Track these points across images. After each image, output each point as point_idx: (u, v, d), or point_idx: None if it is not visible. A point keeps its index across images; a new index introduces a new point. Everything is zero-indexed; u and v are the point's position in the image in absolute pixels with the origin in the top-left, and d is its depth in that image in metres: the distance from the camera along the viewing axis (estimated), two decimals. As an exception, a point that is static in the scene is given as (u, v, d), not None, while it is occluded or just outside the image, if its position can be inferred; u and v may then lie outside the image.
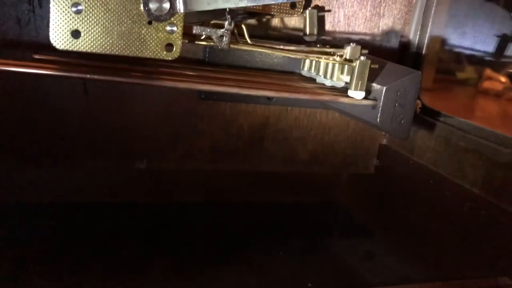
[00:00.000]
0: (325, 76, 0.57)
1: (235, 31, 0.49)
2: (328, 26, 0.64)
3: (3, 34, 0.51)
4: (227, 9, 0.46)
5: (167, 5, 0.42)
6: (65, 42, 0.41)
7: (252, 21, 0.59)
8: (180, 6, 0.43)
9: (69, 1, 0.41)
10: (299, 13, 0.58)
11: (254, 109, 0.65)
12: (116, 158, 0.61)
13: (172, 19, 0.43)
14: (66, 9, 0.41)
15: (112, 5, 0.42)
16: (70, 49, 0.42)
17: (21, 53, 0.51)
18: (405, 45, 0.68)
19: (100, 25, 0.42)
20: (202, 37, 0.48)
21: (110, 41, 0.42)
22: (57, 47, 0.41)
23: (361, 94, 0.52)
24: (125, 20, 0.42)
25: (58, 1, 0.41)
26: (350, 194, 0.77)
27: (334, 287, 0.55)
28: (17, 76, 0.53)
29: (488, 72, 0.82)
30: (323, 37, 0.64)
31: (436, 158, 0.62)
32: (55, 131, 0.57)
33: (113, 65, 0.45)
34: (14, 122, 0.56)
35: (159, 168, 0.64)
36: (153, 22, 0.43)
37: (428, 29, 0.66)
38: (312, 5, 0.61)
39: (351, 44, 0.53)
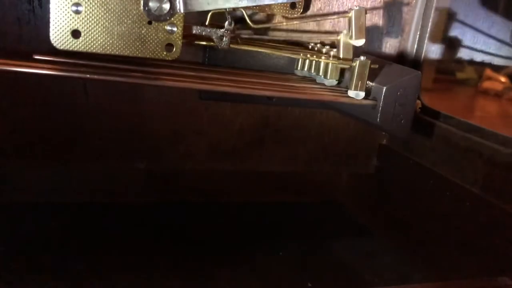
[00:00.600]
0: (325, 76, 0.57)
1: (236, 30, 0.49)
2: (328, 26, 0.64)
3: (3, 34, 0.51)
4: (227, 9, 0.46)
5: (167, 5, 0.42)
6: (65, 42, 0.41)
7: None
8: (180, 6, 0.43)
9: (69, 1, 0.41)
10: (299, 13, 0.58)
11: (254, 109, 0.65)
12: (116, 158, 0.61)
13: (172, 19, 0.43)
14: (66, 9, 0.41)
15: (112, 5, 0.42)
16: (70, 49, 0.42)
17: (21, 53, 0.51)
18: (405, 45, 0.68)
19: (100, 25, 0.42)
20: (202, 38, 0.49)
21: (110, 41, 0.42)
22: (57, 47, 0.41)
23: (361, 94, 0.52)
24: (125, 20, 0.42)
25: (58, 1, 0.41)
26: (350, 194, 0.77)
27: (334, 287, 0.55)
28: (17, 76, 0.53)
29: (488, 72, 0.82)
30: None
31: (436, 158, 0.62)
32: (55, 131, 0.57)
33: (113, 65, 0.45)
34: (14, 122, 0.56)
35: (159, 168, 0.64)
36: (153, 22, 0.43)
37: (428, 29, 0.66)
38: (312, 5, 0.61)
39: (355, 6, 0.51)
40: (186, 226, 0.64)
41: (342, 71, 0.55)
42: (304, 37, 0.62)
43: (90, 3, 0.41)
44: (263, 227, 0.67)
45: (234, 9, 0.49)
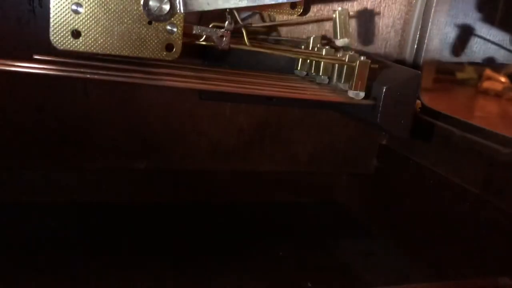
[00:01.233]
0: (325, 76, 0.57)
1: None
2: (328, 27, 0.63)
3: (3, 34, 0.51)
4: (227, 10, 0.46)
5: (167, 6, 0.42)
6: (65, 42, 0.41)
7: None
8: (180, 7, 0.43)
9: (69, 1, 0.41)
10: (299, 13, 0.58)
11: (254, 109, 0.65)
12: (116, 158, 0.61)
13: (172, 19, 0.43)
14: (66, 9, 0.41)
15: (112, 5, 0.42)
16: (70, 49, 0.42)
17: (21, 53, 0.51)
18: (405, 45, 0.68)
19: (100, 25, 0.42)
20: (202, 38, 0.49)
21: (110, 41, 0.42)
22: (57, 47, 0.41)
23: (361, 94, 0.52)
24: (125, 20, 0.42)
25: (58, 1, 0.41)
26: (350, 194, 0.77)
27: (334, 287, 0.55)
28: (17, 77, 0.53)
29: (488, 72, 0.82)
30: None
31: (436, 158, 0.62)
32: (55, 131, 0.57)
33: (113, 65, 0.45)
34: (14, 122, 0.56)
35: (159, 168, 0.64)
36: (153, 22, 0.43)
37: (428, 29, 0.66)
38: (312, 6, 0.61)
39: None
40: (186, 226, 0.64)
41: (317, 64, 0.56)
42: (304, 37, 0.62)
43: (90, 3, 0.41)
44: (263, 227, 0.67)
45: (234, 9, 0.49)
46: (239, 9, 0.51)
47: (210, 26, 0.48)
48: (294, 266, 0.58)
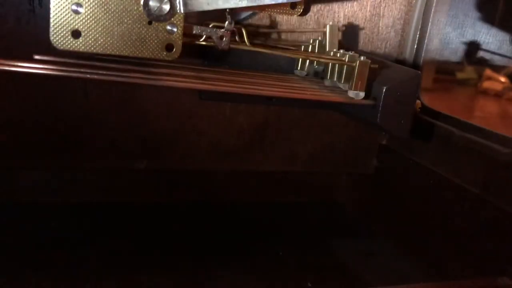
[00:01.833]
0: (325, 76, 0.57)
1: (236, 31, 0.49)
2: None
3: (3, 34, 0.51)
4: (227, 10, 0.46)
5: (167, 6, 0.42)
6: (65, 42, 0.41)
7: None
8: (180, 7, 0.43)
9: (69, 1, 0.41)
10: (299, 13, 0.58)
11: (254, 109, 0.65)
12: (116, 158, 0.61)
13: (172, 19, 0.43)
14: (66, 9, 0.41)
15: (112, 5, 0.42)
16: (70, 49, 0.42)
17: (21, 53, 0.51)
18: (405, 46, 0.68)
19: (100, 25, 0.42)
20: (202, 38, 0.49)
21: (110, 41, 0.42)
22: (57, 47, 0.41)
23: (361, 94, 0.52)
24: (125, 20, 0.42)
25: (58, 1, 0.41)
26: (350, 194, 0.77)
27: (334, 287, 0.55)
28: (17, 77, 0.53)
29: (488, 72, 0.82)
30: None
31: (436, 158, 0.62)
32: (55, 131, 0.57)
33: (113, 65, 0.45)
34: (14, 122, 0.56)
35: (159, 168, 0.64)
36: (153, 22, 0.43)
37: (428, 29, 0.66)
38: (312, 6, 0.61)
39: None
40: (186, 226, 0.64)
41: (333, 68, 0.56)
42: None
43: (90, 3, 0.41)
44: (263, 227, 0.67)
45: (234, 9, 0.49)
46: (239, 9, 0.51)
47: (210, 26, 0.49)
48: (294, 266, 0.58)
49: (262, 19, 0.60)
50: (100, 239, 0.57)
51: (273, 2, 0.47)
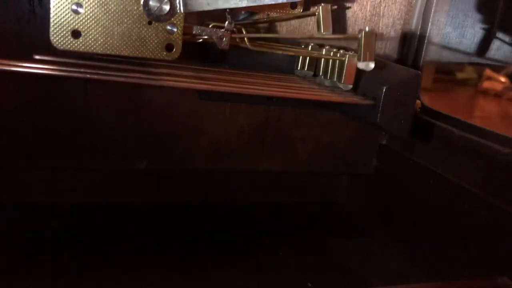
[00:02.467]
0: (325, 76, 0.57)
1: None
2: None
3: (3, 34, 0.51)
4: (227, 10, 0.46)
5: (167, 6, 0.42)
6: (65, 42, 0.41)
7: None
8: (180, 7, 0.43)
9: (69, 1, 0.41)
10: (300, 12, 0.58)
11: (254, 109, 0.65)
12: (116, 158, 0.61)
13: (172, 19, 0.43)
14: (66, 9, 0.41)
15: (112, 5, 0.42)
16: (70, 49, 0.42)
17: (21, 53, 0.51)
18: (404, 45, 0.68)
19: (100, 25, 0.42)
20: (202, 38, 0.49)
21: (110, 41, 0.42)
22: (57, 47, 0.42)
23: (371, 65, 0.51)
24: (125, 20, 0.42)
25: (58, 1, 0.41)
26: (350, 194, 0.77)
27: (334, 287, 0.55)
28: (17, 77, 0.53)
29: (488, 72, 0.82)
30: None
31: (436, 158, 0.62)
32: (55, 131, 0.57)
33: (113, 65, 0.45)
34: (15, 122, 0.56)
35: (159, 168, 0.64)
36: (153, 22, 0.43)
37: (428, 29, 0.66)
38: (312, 6, 0.61)
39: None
40: (185, 226, 0.64)
41: (317, 63, 0.57)
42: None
43: (90, 3, 0.41)
44: (263, 227, 0.67)
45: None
46: (239, 9, 0.51)
47: (210, 26, 0.49)
48: (294, 266, 0.58)
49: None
50: (100, 239, 0.57)
51: (273, 2, 0.47)
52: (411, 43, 0.68)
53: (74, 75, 0.42)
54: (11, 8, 0.51)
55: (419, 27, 0.67)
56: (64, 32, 0.41)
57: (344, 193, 0.78)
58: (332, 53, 0.56)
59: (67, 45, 0.42)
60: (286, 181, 0.73)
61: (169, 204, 0.67)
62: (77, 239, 0.57)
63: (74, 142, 0.59)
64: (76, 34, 0.42)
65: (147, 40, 0.43)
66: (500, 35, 0.78)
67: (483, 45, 0.79)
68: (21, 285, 0.47)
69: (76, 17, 0.41)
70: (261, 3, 0.45)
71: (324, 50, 0.57)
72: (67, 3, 0.41)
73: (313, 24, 0.63)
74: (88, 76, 0.42)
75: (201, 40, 0.49)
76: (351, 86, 0.54)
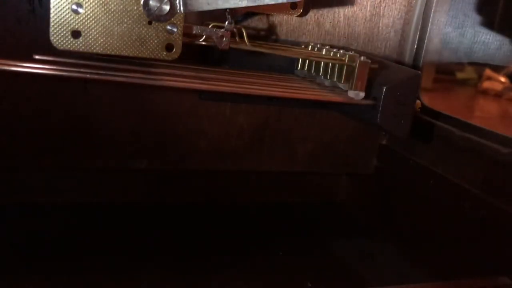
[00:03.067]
0: (325, 76, 0.57)
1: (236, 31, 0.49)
2: (328, 27, 0.64)
3: (3, 34, 0.51)
4: (227, 10, 0.46)
5: (167, 6, 0.42)
6: (65, 42, 0.41)
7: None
8: (180, 7, 0.43)
9: (69, 1, 0.41)
10: (299, 14, 0.58)
11: (254, 109, 0.65)
12: (116, 158, 0.61)
13: (172, 19, 0.43)
14: (66, 9, 0.41)
15: (112, 5, 0.42)
16: (70, 49, 0.42)
17: (21, 53, 0.51)
18: (405, 46, 0.68)
19: (100, 25, 0.42)
20: (202, 38, 0.49)
21: (110, 41, 0.42)
22: (57, 47, 0.42)
23: (361, 94, 0.52)
24: (125, 20, 0.42)
25: (58, 1, 0.41)
26: (350, 194, 0.77)
27: (334, 287, 0.56)
28: (17, 77, 0.53)
29: (488, 72, 0.82)
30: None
31: (436, 158, 0.62)
32: (55, 131, 0.57)
33: (113, 65, 0.45)
34: (15, 122, 0.56)
35: (159, 168, 0.64)
36: (153, 22, 0.43)
37: (428, 29, 0.66)
38: (312, 6, 0.61)
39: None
40: (185, 226, 0.64)
41: (317, 64, 0.57)
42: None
43: (90, 3, 0.41)
44: (263, 227, 0.67)
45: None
46: (239, 9, 0.51)
47: (210, 26, 0.49)
48: (294, 266, 0.58)
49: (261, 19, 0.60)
50: (100, 239, 0.57)
51: (273, 2, 0.47)
52: (411, 43, 0.68)
53: (74, 75, 0.42)
54: (11, 8, 0.51)
55: (419, 27, 0.67)
56: (64, 32, 0.41)
57: (344, 193, 0.78)
58: (332, 53, 0.56)
59: (67, 45, 0.42)
60: (286, 181, 0.73)
61: (169, 204, 0.67)
62: (77, 239, 0.56)
63: (74, 142, 0.59)
64: (76, 34, 0.42)
65: (147, 40, 0.43)
66: (500, 35, 0.78)
67: (483, 45, 0.78)
68: (21, 285, 0.47)
69: (76, 17, 0.41)
70: (261, 3, 0.45)
71: (324, 50, 0.57)
72: (67, 3, 0.41)
73: (313, 24, 0.63)
74: (88, 76, 0.42)
75: (203, 42, 0.49)
76: (363, 94, 0.52)
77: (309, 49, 0.59)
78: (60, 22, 0.41)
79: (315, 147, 0.70)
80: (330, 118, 0.69)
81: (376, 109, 0.52)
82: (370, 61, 0.52)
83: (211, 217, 0.67)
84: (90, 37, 0.42)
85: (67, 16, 0.41)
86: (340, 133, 0.70)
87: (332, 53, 0.56)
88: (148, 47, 0.44)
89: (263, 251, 0.60)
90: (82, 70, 0.42)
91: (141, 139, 0.61)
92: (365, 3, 0.64)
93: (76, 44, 0.42)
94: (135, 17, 0.43)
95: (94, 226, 0.60)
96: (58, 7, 0.41)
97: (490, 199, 0.53)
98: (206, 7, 0.44)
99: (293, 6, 0.56)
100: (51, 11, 0.41)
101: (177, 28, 0.44)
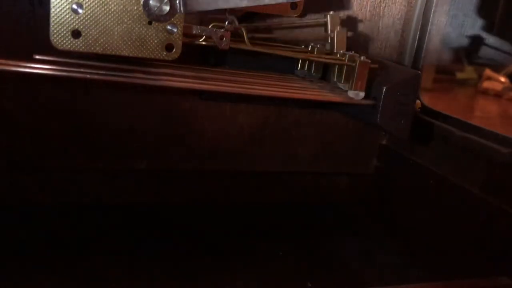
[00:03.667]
0: (325, 77, 0.57)
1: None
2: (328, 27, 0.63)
3: (3, 34, 0.51)
4: (227, 10, 0.47)
5: (167, 6, 0.43)
6: (65, 42, 0.41)
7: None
8: (180, 7, 0.43)
9: (69, 1, 0.41)
10: (298, 13, 0.58)
11: (254, 109, 0.65)
12: (116, 158, 0.61)
13: (172, 19, 0.43)
14: (66, 9, 0.41)
15: (112, 5, 0.42)
16: (70, 49, 0.42)
17: (21, 53, 0.51)
18: (405, 45, 0.68)
19: (100, 25, 0.42)
20: (202, 38, 0.49)
21: (110, 41, 0.42)
22: (57, 47, 0.42)
23: (361, 94, 0.52)
24: (125, 20, 0.42)
25: (58, 1, 0.41)
26: (350, 194, 0.77)
27: (334, 287, 0.56)
28: (17, 76, 0.53)
29: (488, 72, 0.82)
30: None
31: (436, 158, 0.62)
32: (55, 131, 0.57)
33: (113, 65, 0.45)
34: (15, 122, 0.56)
35: (159, 168, 0.64)
36: (153, 22, 0.43)
37: (428, 29, 0.66)
38: (312, 6, 0.61)
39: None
40: (185, 226, 0.64)
41: (325, 66, 0.57)
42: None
43: (90, 3, 0.41)
44: (263, 227, 0.67)
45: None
46: (239, 9, 0.51)
47: (210, 26, 0.49)
48: (294, 266, 0.58)
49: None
50: (100, 240, 0.57)
51: (273, 2, 0.47)
52: (411, 43, 0.68)
53: (74, 75, 0.42)
54: (11, 8, 0.51)
55: (419, 27, 0.67)
56: (64, 32, 0.41)
57: (344, 193, 0.78)
58: (344, 57, 0.55)
59: (67, 45, 0.42)
60: (286, 181, 0.73)
61: (169, 204, 0.67)
62: (77, 239, 0.56)
63: (74, 142, 0.59)
64: (76, 34, 0.42)
65: (147, 40, 0.43)
66: (500, 35, 0.78)
67: (483, 45, 0.79)
68: (21, 285, 0.47)
69: (76, 17, 0.41)
70: (261, 3, 0.45)
71: (324, 50, 0.57)
72: (67, 3, 0.41)
73: (313, 24, 0.63)
74: (88, 76, 0.42)
75: (203, 43, 0.49)
76: (363, 94, 0.52)
77: (309, 49, 0.59)
78: (60, 22, 0.41)
79: (315, 147, 0.70)
80: (330, 118, 0.69)
81: (376, 109, 0.52)
82: (370, 61, 0.52)
83: (211, 217, 0.67)
84: (90, 37, 0.42)
85: (67, 16, 0.41)
86: (340, 133, 0.70)
87: (332, 53, 0.56)
88: (148, 47, 0.44)
89: (263, 251, 0.60)
90: (82, 70, 0.42)
91: (141, 139, 0.61)
92: (365, 3, 0.64)
93: (76, 44, 0.42)
94: (135, 17, 0.43)
95: (94, 226, 0.60)
96: (58, 7, 0.41)
97: (490, 199, 0.53)
98: (206, 7, 0.44)
99: (293, 6, 0.56)
100: (51, 11, 0.41)
101: (177, 28, 0.44)
